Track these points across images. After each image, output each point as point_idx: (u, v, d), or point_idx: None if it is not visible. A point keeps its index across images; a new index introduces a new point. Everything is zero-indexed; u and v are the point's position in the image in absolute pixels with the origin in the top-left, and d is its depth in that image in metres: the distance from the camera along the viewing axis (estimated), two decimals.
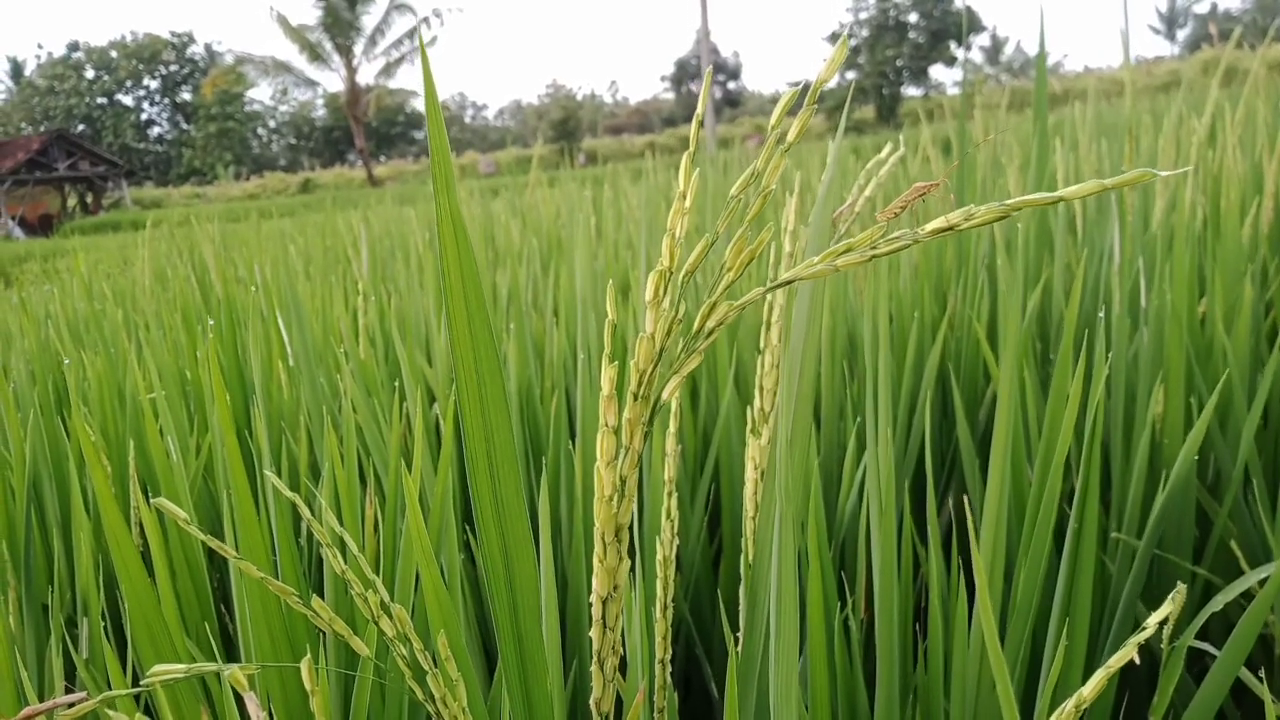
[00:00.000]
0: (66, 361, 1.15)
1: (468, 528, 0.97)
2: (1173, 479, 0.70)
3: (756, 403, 0.55)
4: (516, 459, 0.33)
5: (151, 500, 0.34)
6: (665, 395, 0.33)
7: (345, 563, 0.39)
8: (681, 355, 0.32)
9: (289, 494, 0.35)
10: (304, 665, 0.30)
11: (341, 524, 0.68)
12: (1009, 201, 0.24)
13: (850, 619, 0.74)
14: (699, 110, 0.29)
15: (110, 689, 0.77)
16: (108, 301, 2.22)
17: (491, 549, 0.34)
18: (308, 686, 0.31)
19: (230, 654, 0.98)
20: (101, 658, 0.86)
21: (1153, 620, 0.31)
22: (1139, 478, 0.87)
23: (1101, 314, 0.71)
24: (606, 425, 0.34)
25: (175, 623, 0.60)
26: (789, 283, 0.28)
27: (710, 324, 0.31)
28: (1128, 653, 0.30)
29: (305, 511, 0.36)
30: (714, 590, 1.03)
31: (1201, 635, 0.97)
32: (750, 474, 0.55)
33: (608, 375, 0.33)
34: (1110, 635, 0.71)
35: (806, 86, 0.28)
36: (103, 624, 0.86)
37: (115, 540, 0.53)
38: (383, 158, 38.47)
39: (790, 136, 0.28)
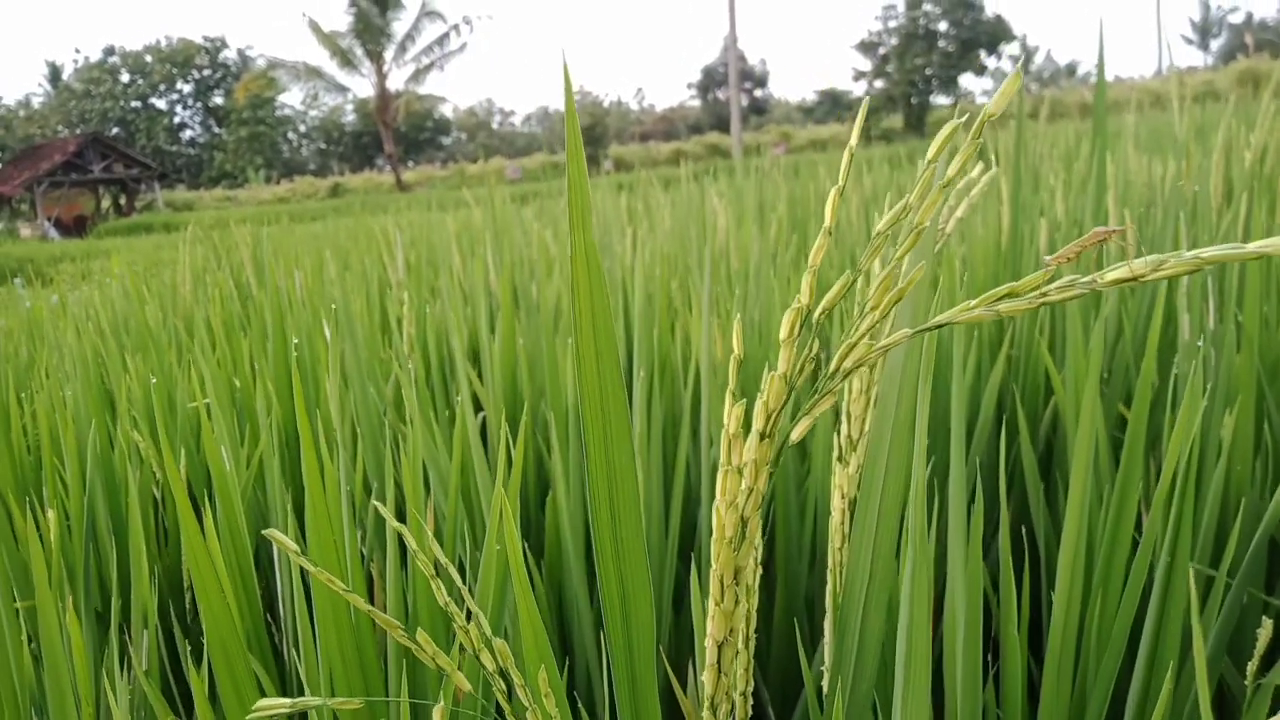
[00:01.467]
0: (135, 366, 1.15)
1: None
2: (1269, 513, 0.68)
3: (844, 429, 0.54)
4: (639, 501, 0.32)
5: (263, 531, 0.33)
6: (795, 437, 0.32)
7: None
8: (815, 395, 0.31)
9: (396, 525, 0.34)
10: (436, 712, 0.29)
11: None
12: (1204, 254, 0.22)
13: None
14: (858, 119, 0.28)
15: (164, 702, 0.77)
16: (148, 305, 2.23)
17: (610, 589, 0.33)
18: None
19: (280, 668, 0.98)
20: (158, 669, 0.86)
21: None
22: (1213, 506, 0.84)
23: (1202, 342, 0.69)
24: (730, 464, 0.32)
25: (244, 642, 0.59)
26: (944, 325, 0.27)
27: (848, 364, 0.30)
28: None
29: (411, 541, 0.36)
30: (769, 615, 1.01)
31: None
32: (837, 503, 0.54)
33: (734, 413, 0.32)
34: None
35: (970, 119, 0.26)
36: (159, 636, 0.86)
37: (195, 559, 0.52)
38: (411, 163, 38.77)
39: (951, 171, 0.27)
